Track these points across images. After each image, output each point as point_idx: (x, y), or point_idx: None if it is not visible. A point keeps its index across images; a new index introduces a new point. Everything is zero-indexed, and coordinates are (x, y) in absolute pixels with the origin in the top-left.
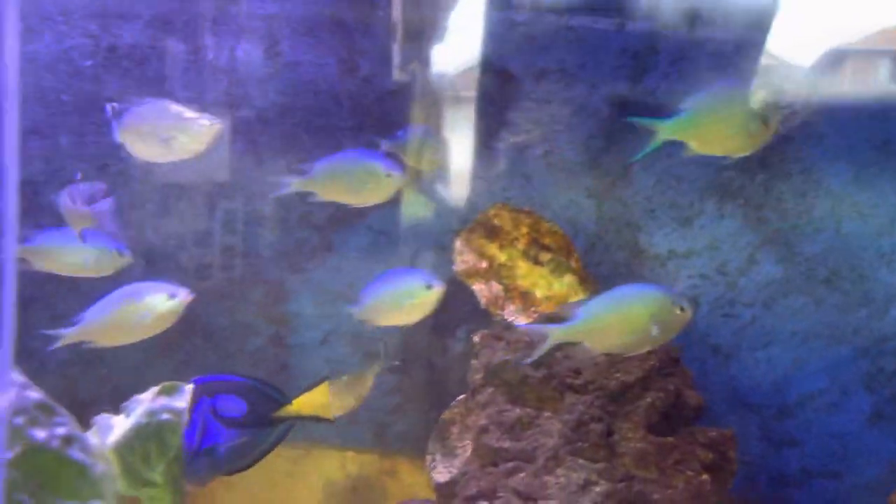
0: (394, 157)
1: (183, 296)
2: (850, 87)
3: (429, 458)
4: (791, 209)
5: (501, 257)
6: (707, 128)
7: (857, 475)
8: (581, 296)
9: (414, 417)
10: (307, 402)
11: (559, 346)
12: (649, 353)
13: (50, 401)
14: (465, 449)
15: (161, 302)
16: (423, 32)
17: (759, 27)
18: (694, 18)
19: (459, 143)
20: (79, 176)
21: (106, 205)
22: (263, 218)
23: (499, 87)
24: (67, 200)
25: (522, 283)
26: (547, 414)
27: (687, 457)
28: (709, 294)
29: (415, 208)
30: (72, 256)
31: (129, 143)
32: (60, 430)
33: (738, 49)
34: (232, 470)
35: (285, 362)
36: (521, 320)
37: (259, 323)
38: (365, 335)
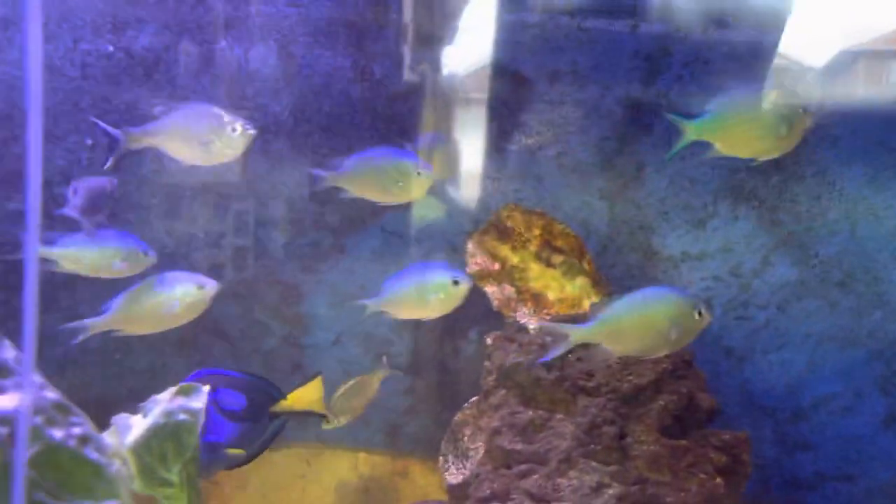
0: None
1: (211, 286)
2: (865, 88)
3: (441, 459)
4: (805, 211)
5: (514, 259)
6: (735, 129)
7: (872, 479)
8: (594, 298)
9: (426, 419)
10: (301, 398)
11: (573, 348)
12: (663, 355)
13: (66, 401)
14: (478, 451)
15: (191, 291)
16: (435, 35)
17: (772, 29)
18: (707, 20)
19: (472, 145)
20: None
21: (102, 201)
22: (277, 219)
23: (511, 89)
24: (72, 194)
25: (535, 286)
26: (559, 416)
27: (700, 460)
28: (722, 296)
29: (427, 210)
30: (97, 258)
31: (167, 146)
32: (76, 430)
33: (752, 51)
34: (233, 464)
35: (298, 362)
36: (533, 322)
37: (273, 323)
38: (377, 336)
